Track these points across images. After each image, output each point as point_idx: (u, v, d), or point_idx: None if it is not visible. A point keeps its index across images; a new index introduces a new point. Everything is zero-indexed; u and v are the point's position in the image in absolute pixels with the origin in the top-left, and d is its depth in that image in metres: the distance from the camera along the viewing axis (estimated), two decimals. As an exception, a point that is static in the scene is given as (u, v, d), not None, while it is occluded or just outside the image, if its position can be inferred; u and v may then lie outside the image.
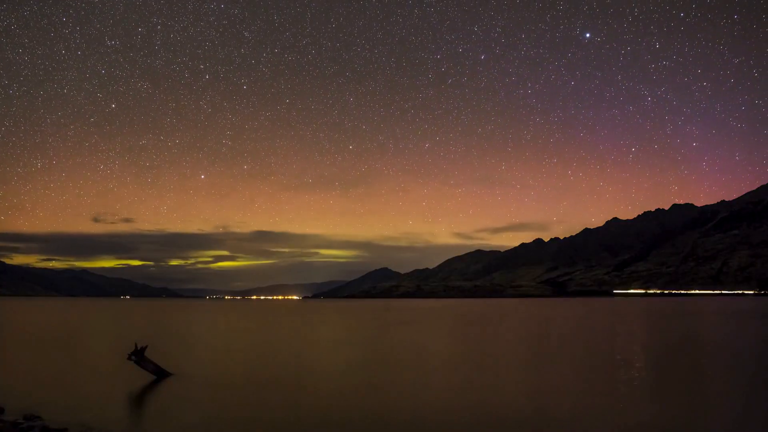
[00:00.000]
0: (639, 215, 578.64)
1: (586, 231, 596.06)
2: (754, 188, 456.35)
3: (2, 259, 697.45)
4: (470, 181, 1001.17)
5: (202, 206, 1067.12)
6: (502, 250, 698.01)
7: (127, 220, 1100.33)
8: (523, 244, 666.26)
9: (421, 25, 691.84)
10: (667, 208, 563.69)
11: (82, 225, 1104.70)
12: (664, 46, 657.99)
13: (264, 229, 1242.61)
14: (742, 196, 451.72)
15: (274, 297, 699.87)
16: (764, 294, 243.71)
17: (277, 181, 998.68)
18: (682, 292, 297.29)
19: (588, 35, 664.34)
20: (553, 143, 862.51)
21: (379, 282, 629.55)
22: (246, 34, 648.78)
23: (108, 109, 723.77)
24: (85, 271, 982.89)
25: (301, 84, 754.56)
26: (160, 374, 16.53)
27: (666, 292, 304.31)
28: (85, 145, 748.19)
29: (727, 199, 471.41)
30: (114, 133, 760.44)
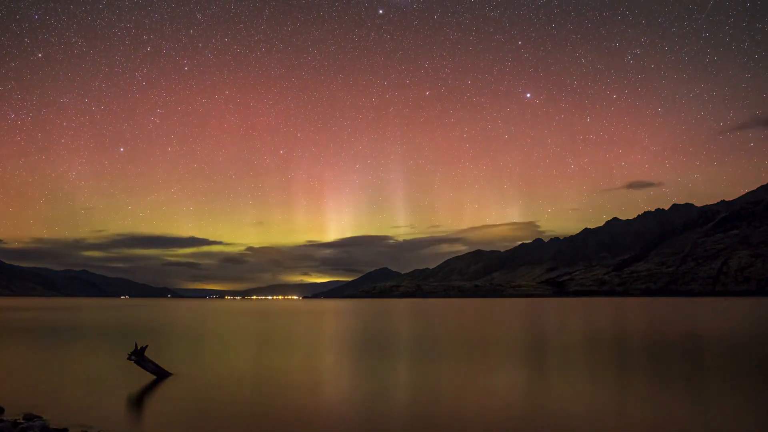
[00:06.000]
0: (639, 215, 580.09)
1: (586, 231, 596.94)
2: (754, 188, 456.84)
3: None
4: (393, 209, 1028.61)
5: (115, 180, 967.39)
6: (502, 250, 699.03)
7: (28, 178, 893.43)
8: (523, 244, 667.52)
9: (375, 49, 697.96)
10: (667, 208, 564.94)
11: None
12: (594, 120, 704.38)
13: (198, 221, 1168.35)
14: (742, 196, 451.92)
15: (274, 297, 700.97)
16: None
17: (200, 170, 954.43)
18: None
19: (528, 95, 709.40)
20: (478, 189, 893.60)
21: (380, 282, 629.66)
22: (198, 15, 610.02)
23: (33, 58, 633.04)
24: (84, 271, 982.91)
25: (244, 78, 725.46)
26: (160, 374, 16.49)
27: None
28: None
29: (727, 199, 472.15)
30: (34, 84, 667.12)
